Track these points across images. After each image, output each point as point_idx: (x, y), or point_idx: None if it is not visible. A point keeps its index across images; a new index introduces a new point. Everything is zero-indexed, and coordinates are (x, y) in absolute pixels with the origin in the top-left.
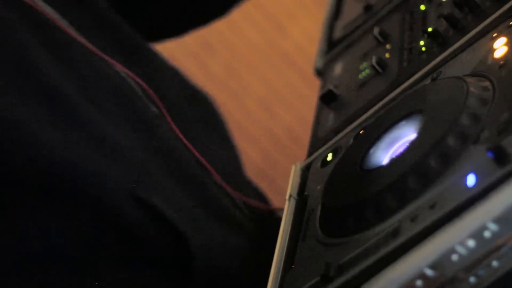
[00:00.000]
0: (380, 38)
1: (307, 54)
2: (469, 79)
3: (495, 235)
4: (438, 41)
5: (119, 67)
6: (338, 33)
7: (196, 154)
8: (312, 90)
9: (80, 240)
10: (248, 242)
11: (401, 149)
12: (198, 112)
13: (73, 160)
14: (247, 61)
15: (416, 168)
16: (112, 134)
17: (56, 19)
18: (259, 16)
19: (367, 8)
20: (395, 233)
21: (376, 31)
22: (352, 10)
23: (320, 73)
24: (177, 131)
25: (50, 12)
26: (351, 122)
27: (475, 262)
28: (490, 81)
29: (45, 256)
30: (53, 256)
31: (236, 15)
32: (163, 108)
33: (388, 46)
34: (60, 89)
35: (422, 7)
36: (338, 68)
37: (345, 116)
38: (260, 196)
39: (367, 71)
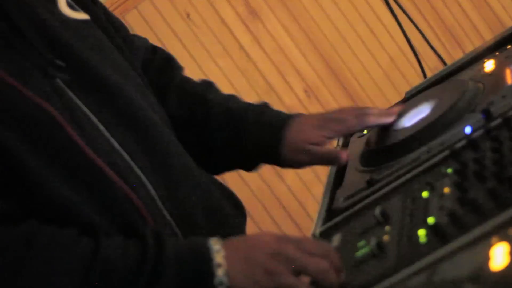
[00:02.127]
0: (380, 218)
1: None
2: None
3: None
4: (438, 235)
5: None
6: (339, 202)
7: None
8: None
9: None
10: None
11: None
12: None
13: None
14: None
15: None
16: None
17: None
18: None
19: (370, 182)
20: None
21: (377, 211)
22: (355, 180)
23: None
24: None
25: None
26: None
27: None
28: None
29: None
30: None
31: None
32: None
33: (387, 228)
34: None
35: (425, 194)
36: (336, 240)
37: None
38: None
39: (365, 250)
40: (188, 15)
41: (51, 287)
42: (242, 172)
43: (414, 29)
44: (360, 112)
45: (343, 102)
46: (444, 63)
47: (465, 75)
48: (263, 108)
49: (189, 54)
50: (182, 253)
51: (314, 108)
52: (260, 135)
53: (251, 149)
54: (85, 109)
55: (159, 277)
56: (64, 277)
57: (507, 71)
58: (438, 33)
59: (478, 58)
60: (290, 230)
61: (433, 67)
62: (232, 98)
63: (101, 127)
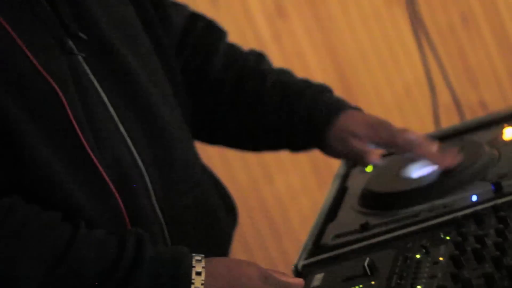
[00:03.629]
0: (368, 270)
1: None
2: None
3: None
4: None
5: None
6: (328, 238)
7: None
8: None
9: None
10: None
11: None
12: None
13: None
14: None
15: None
16: None
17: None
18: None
19: (365, 226)
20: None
21: (367, 261)
22: (349, 219)
23: (299, 273)
24: None
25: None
26: None
27: None
28: None
29: None
30: None
31: None
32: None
33: (373, 282)
34: None
35: (418, 256)
36: (317, 280)
37: None
38: None
39: None
40: (215, 0)
41: (14, 267)
42: (233, 168)
43: (434, 61)
44: (414, 141)
45: None
46: (458, 106)
47: (482, 136)
48: (324, 88)
49: None
50: (160, 270)
51: None
52: (313, 114)
53: (301, 126)
54: (99, 89)
55: (132, 282)
56: (30, 261)
57: None
58: (456, 69)
59: (499, 121)
60: (268, 236)
61: (445, 104)
62: (287, 72)
63: (111, 110)
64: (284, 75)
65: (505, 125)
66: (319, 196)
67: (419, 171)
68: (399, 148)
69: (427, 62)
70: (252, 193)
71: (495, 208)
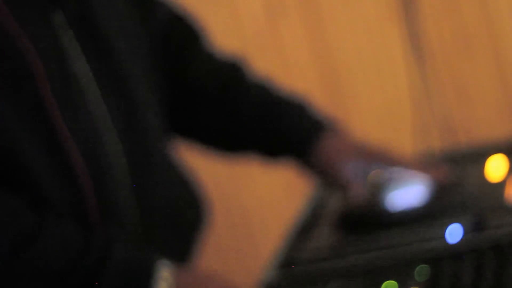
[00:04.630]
0: None
1: None
2: None
3: None
4: None
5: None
6: (297, 257)
7: None
8: None
9: None
10: None
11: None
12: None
13: None
14: None
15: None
16: None
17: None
18: None
19: (337, 249)
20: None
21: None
22: (322, 237)
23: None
24: None
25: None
26: None
27: None
28: None
29: None
30: None
31: None
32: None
33: None
34: None
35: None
36: None
37: None
38: None
39: None
40: None
41: None
42: (216, 167)
43: (420, 79)
44: (397, 159)
45: None
46: (439, 125)
47: (468, 167)
48: (304, 104)
49: None
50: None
51: None
52: (296, 131)
53: (281, 141)
54: (83, 61)
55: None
56: None
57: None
58: (443, 90)
59: (484, 152)
60: (243, 239)
61: (426, 123)
62: (268, 83)
63: (94, 86)
64: (265, 85)
65: (490, 157)
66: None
67: (399, 197)
68: (387, 163)
69: (413, 79)
70: (232, 192)
71: (473, 244)
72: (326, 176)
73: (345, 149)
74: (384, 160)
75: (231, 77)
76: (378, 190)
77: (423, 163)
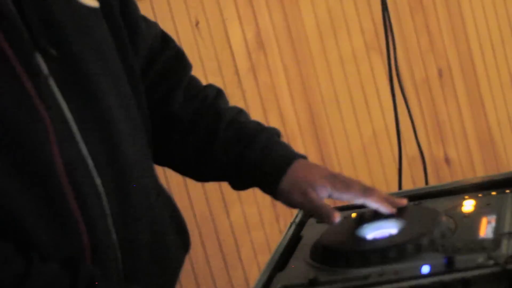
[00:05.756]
0: None
1: None
2: None
3: None
4: None
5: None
6: (277, 283)
7: None
8: None
9: None
10: None
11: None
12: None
13: None
14: None
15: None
16: None
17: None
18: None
19: (313, 282)
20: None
21: None
22: (298, 271)
23: None
24: None
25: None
26: None
27: None
28: None
29: None
30: None
31: None
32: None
33: None
34: None
35: None
36: None
37: None
38: None
39: None
40: (197, 23)
41: None
42: (191, 192)
43: (406, 112)
44: (368, 188)
45: (312, 159)
46: (422, 157)
47: (441, 204)
48: (276, 135)
49: None
50: None
51: None
52: (266, 161)
53: (252, 170)
54: (64, 105)
55: None
56: None
57: (483, 221)
58: (427, 122)
59: (461, 191)
60: (218, 267)
61: (410, 155)
62: (242, 113)
63: (74, 127)
64: (239, 115)
65: (466, 196)
66: (274, 230)
67: (374, 232)
68: (356, 199)
69: (398, 112)
70: (207, 221)
71: (444, 284)
72: (296, 205)
73: (315, 177)
74: (350, 188)
75: (206, 105)
76: (352, 223)
77: (387, 196)
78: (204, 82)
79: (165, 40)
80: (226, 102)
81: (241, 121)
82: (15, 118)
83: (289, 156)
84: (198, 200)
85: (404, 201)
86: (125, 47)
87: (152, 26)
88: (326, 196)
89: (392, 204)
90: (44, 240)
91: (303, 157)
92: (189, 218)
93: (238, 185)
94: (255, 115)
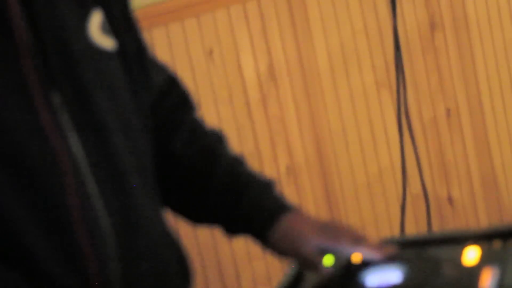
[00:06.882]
0: None
1: None
2: None
3: None
4: None
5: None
6: None
7: None
8: None
9: None
10: None
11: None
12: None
13: None
14: None
15: None
16: None
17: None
18: None
19: None
20: None
21: None
22: None
23: None
24: None
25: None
26: None
27: None
28: None
29: None
30: None
31: None
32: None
33: None
34: None
35: None
36: None
37: None
38: None
39: None
40: (211, 52)
41: None
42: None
43: (412, 151)
44: (357, 237)
45: (317, 193)
46: (426, 198)
47: (445, 252)
48: (270, 185)
49: (195, 87)
50: None
51: (287, 190)
52: (258, 212)
53: (243, 221)
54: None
55: None
56: None
57: (485, 272)
58: (432, 161)
59: (465, 239)
60: None
61: (414, 194)
62: (241, 161)
63: (84, 163)
64: (237, 163)
65: (468, 244)
66: (274, 261)
67: (374, 279)
68: (345, 251)
69: (405, 150)
70: (210, 250)
71: None
72: (288, 256)
73: (306, 228)
74: (340, 239)
75: (205, 148)
76: (349, 270)
77: (377, 245)
78: (214, 111)
79: (173, 83)
80: (227, 147)
81: (237, 170)
82: (28, 151)
83: (281, 208)
84: (201, 229)
85: (393, 250)
86: (137, 86)
87: (161, 70)
88: (316, 248)
89: (383, 252)
90: (53, 273)
91: (295, 208)
92: (191, 246)
93: (229, 233)
94: (263, 146)
